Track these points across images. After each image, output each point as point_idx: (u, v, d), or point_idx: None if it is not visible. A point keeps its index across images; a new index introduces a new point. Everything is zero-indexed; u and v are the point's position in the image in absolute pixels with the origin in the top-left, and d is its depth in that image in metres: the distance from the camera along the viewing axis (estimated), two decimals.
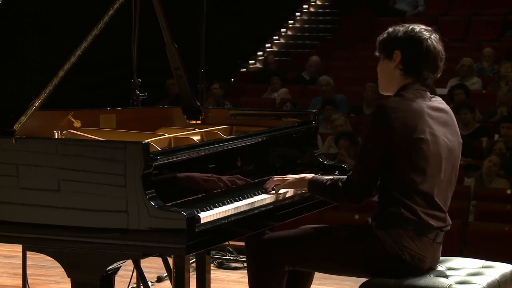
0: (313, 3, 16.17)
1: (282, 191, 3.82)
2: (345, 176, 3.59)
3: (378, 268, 3.50)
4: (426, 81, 3.61)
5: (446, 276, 3.52)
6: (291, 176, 3.79)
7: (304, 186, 3.74)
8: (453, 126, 3.64)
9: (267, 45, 15.17)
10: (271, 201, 3.78)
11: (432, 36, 3.60)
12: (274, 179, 3.81)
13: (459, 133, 3.67)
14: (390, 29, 3.66)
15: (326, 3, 16.08)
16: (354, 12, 14.60)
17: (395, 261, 3.46)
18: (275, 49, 15.04)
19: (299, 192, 3.88)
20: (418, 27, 3.62)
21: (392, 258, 3.45)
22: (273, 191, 3.80)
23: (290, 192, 3.87)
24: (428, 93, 3.61)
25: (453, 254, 4.11)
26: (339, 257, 3.58)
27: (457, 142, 3.63)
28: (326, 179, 3.67)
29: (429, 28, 3.64)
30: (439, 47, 3.61)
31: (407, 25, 3.65)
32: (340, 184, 3.57)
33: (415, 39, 3.58)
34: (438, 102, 3.63)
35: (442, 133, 3.55)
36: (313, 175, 3.76)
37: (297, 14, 15.95)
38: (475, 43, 12.56)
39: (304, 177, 3.75)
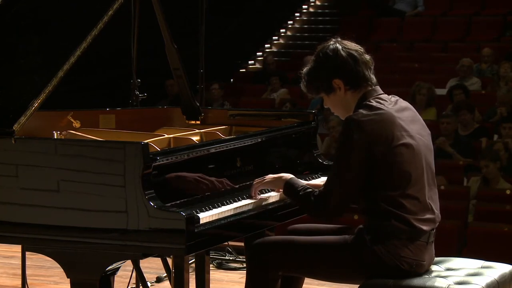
0: (312, 3, 16.16)
1: (270, 194, 3.78)
2: (318, 190, 3.50)
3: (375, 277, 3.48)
4: (373, 80, 3.57)
5: (445, 277, 3.52)
6: (269, 176, 3.72)
7: (280, 186, 3.67)
8: (420, 120, 3.62)
9: (266, 45, 15.16)
10: (271, 201, 3.78)
11: (339, 42, 3.59)
12: (255, 183, 3.74)
13: (425, 124, 3.64)
14: (306, 69, 3.62)
15: (326, 3, 16.07)
16: (354, 12, 14.58)
17: (393, 272, 3.44)
18: (274, 49, 15.03)
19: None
20: (326, 47, 3.58)
21: (391, 269, 3.44)
22: (261, 195, 3.76)
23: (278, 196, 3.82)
24: (386, 95, 3.57)
25: (453, 254, 4.11)
26: (334, 269, 3.55)
27: (428, 135, 3.60)
28: (301, 186, 3.58)
29: (331, 39, 3.62)
30: (353, 45, 3.60)
31: (313, 58, 3.60)
32: (312, 198, 3.49)
33: (337, 57, 3.55)
34: (400, 101, 3.59)
35: (416, 131, 3.52)
36: (291, 176, 3.66)
37: (297, 14, 15.94)
38: (475, 43, 12.54)
39: (281, 177, 3.67)
